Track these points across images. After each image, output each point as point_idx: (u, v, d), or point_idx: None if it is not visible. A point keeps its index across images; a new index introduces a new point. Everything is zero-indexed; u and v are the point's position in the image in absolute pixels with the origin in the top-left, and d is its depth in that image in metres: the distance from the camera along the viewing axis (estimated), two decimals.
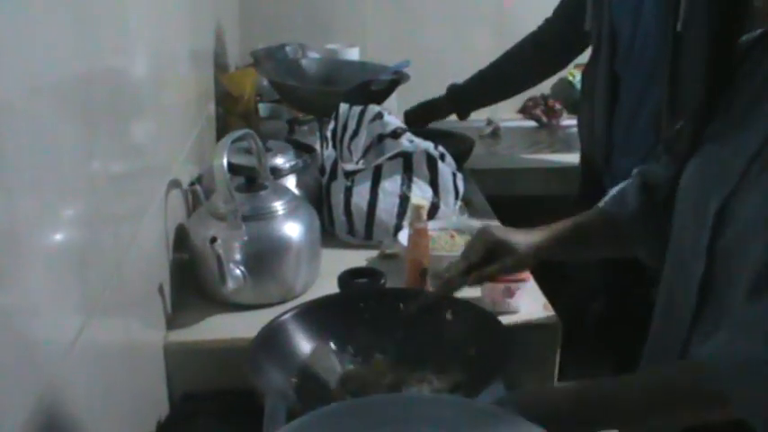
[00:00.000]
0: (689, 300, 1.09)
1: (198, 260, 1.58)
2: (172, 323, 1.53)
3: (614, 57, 1.95)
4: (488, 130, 2.89)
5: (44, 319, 0.90)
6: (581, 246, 1.35)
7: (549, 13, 3.16)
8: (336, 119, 1.94)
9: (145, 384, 1.37)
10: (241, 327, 1.48)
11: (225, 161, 1.50)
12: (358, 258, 1.77)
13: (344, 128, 1.90)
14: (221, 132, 2.25)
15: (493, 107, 3.07)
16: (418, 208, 1.55)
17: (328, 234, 1.87)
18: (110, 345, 1.14)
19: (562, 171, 2.51)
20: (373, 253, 1.82)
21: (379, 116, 1.89)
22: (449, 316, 1.35)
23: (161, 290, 1.48)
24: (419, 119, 2.61)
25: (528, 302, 1.60)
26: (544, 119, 2.98)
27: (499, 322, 1.30)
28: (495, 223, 1.88)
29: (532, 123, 3.00)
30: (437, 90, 3.08)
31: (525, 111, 3.06)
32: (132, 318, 1.28)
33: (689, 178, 1.13)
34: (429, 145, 1.87)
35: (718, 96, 1.10)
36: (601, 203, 1.37)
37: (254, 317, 1.44)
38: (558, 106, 2.97)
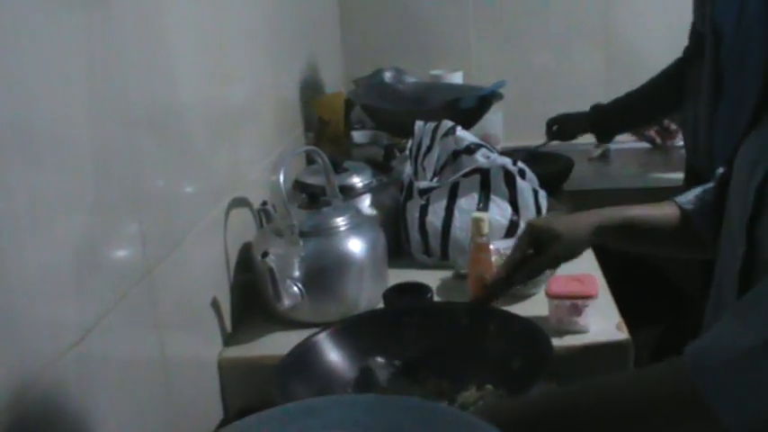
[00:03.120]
0: (732, 290, 0.99)
1: (258, 277, 1.57)
2: (231, 340, 1.53)
3: (719, 54, 1.89)
4: (597, 152, 2.79)
5: (40, 318, 0.91)
6: (642, 235, 1.28)
7: (657, 32, 3.05)
8: (413, 137, 1.90)
9: (193, 399, 1.37)
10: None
11: (282, 176, 1.50)
12: (432, 279, 1.72)
13: (419, 145, 1.87)
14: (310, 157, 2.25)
15: None
16: (478, 221, 1.49)
17: (406, 255, 1.84)
18: (134, 356, 1.14)
19: (672, 190, 2.37)
20: (449, 273, 1.77)
21: (452, 131, 1.84)
22: (492, 328, 1.29)
23: (215, 306, 1.48)
24: (560, 129, 2.54)
25: (599, 321, 1.49)
26: (658, 140, 2.84)
27: (543, 332, 1.23)
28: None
29: (645, 145, 2.87)
30: (544, 112, 3.01)
31: (638, 132, 2.92)
32: (171, 332, 1.27)
33: (741, 156, 1.03)
34: (506, 161, 1.81)
35: None
36: (677, 198, 1.29)
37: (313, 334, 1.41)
38: (673, 127, 2.81)
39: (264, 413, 0.76)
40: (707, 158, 1.93)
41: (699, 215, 1.24)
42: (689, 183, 2.06)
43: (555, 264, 1.32)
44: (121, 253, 1.12)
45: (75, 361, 0.96)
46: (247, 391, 1.47)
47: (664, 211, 1.28)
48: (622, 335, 1.47)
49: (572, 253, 1.29)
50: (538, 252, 1.28)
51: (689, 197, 1.28)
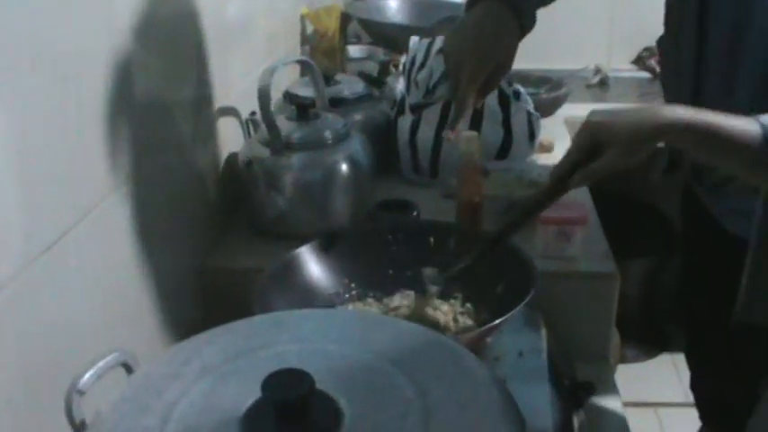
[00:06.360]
0: None
1: (244, 187, 1.55)
2: (214, 250, 1.51)
3: None
4: (596, 79, 2.75)
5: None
6: (714, 144, 1.06)
7: None
8: (408, 52, 1.86)
9: (176, 308, 1.35)
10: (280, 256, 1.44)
11: (269, 85, 1.45)
12: (420, 196, 1.68)
13: (413, 61, 1.82)
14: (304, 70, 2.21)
15: (606, 55, 2.93)
16: (468, 140, 1.46)
17: (394, 171, 1.81)
18: (110, 264, 1.12)
19: None
20: (436, 192, 1.73)
21: None
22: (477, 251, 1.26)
23: (199, 216, 1.46)
24: None
25: (587, 249, 1.47)
26: (659, 70, 2.79)
27: (528, 258, 1.21)
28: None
29: (646, 74, 2.83)
30: (547, 36, 2.95)
31: (639, 61, 2.89)
32: (150, 240, 1.24)
33: None
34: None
35: None
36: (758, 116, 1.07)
37: (296, 247, 1.38)
38: None
39: (231, 324, 0.74)
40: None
41: None
42: None
43: (612, 170, 1.09)
44: (96, 160, 1.09)
45: (45, 269, 0.94)
46: (231, 301, 1.45)
47: (743, 124, 1.05)
48: (610, 265, 1.46)
49: (636, 157, 1.07)
50: (597, 153, 1.07)
51: None
